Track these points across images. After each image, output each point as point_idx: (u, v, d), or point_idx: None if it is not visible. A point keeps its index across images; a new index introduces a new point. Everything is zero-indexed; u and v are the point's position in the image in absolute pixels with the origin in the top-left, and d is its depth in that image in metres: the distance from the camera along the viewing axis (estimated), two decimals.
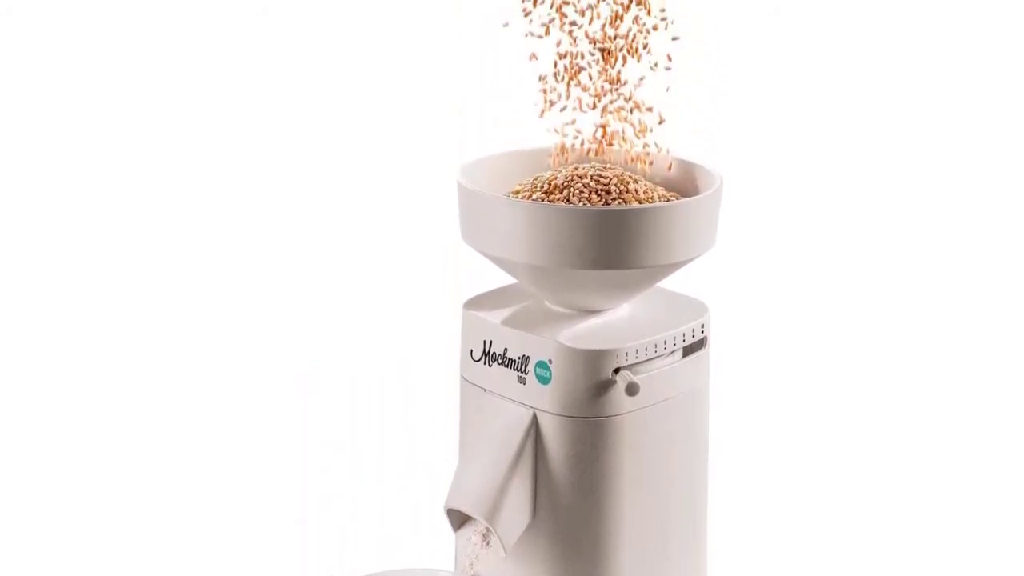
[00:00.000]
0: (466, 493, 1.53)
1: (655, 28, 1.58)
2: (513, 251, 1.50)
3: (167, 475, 2.03)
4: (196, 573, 1.88)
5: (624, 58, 1.59)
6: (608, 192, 1.52)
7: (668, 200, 1.55)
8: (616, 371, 1.50)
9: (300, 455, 2.06)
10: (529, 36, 1.58)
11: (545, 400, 1.52)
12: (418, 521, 1.88)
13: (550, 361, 1.51)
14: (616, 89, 1.59)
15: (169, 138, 2.25)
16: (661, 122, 1.61)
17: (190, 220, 2.25)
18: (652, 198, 1.54)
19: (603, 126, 1.62)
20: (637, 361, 1.51)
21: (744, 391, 2.05)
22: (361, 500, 1.99)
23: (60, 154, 2.26)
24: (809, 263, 2.21)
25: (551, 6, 1.57)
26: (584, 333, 1.52)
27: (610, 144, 1.63)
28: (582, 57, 1.59)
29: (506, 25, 1.58)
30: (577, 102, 1.60)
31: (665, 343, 1.54)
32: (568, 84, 1.60)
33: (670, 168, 1.62)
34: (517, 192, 1.56)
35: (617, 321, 1.56)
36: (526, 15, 1.58)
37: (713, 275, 1.74)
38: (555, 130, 1.62)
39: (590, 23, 1.58)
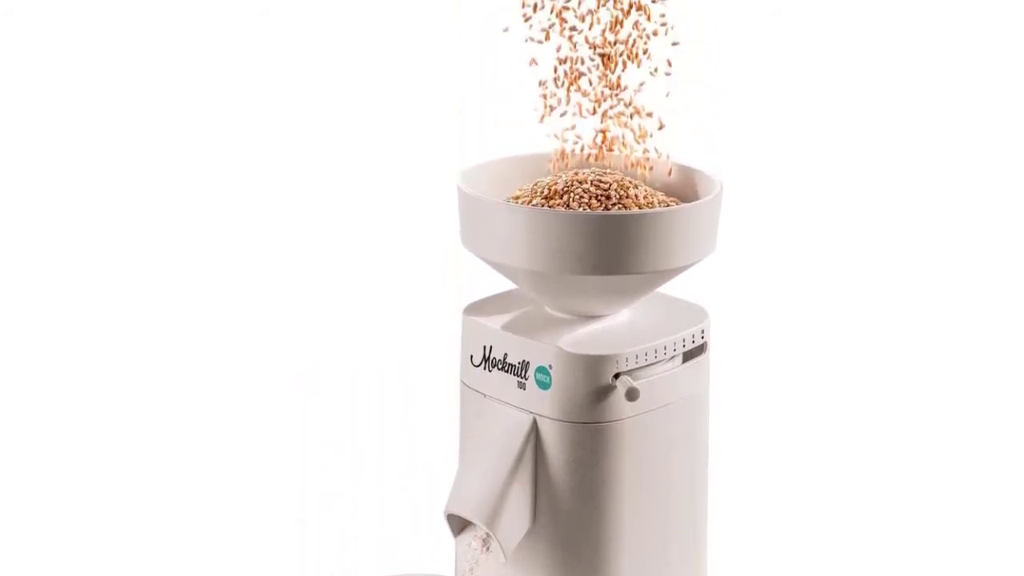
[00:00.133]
0: (466, 498, 1.53)
1: (655, 33, 1.58)
2: (513, 256, 1.50)
3: (167, 475, 2.03)
4: (196, 573, 1.88)
5: (624, 63, 1.58)
6: (608, 197, 1.52)
7: (668, 205, 1.55)
8: (616, 376, 1.50)
9: (300, 455, 2.06)
10: (529, 41, 1.58)
11: (545, 405, 1.52)
12: (418, 523, 1.88)
13: (550, 366, 1.51)
14: (616, 94, 1.59)
15: (169, 139, 2.25)
16: (661, 127, 1.61)
17: (191, 221, 2.25)
18: (652, 203, 1.54)
19: (603, 131, 1.62)
20: (637, 366, 1.51)
21: (744, 396, 2.05)
22: (361, 500, 1.99)
23: (60, 154, 2.26)
24: (809, 268, 2.21)
25: (551, 11, 1.57)
26: (584, 338, 1.52)
27: (610, 149, 1.63)
28: (582, 62, 1.59)
29: (506, 30, 1.59)
30: (577, 107, 1.60)
31: (665, 348, 1.54)
32: (568, 89, 1.59)
33: (670, 173, 1.62)
34: (517, 197, 1.56)
35: (617, 326, 1.56)
36: (526, 20, 1.58)
37: (713, 280, 1.74)
38: (555, 135, 1.62)
39: (590, 28, 1.58)
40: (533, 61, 1.59)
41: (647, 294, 1.57)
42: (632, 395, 1.48)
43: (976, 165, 2.27)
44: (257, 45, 2.22)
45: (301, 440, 2.08)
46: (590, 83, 1.59)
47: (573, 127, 1.62)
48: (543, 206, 1.52)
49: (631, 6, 1.57)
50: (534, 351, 1.52)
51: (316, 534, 1.94)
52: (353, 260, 2.19)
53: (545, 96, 1.60)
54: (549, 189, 1.54)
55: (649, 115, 1.60)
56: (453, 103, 2.09)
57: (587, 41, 1.58)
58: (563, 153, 1.63)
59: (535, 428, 1.53)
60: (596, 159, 1.63)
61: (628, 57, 1.58)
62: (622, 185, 1.54)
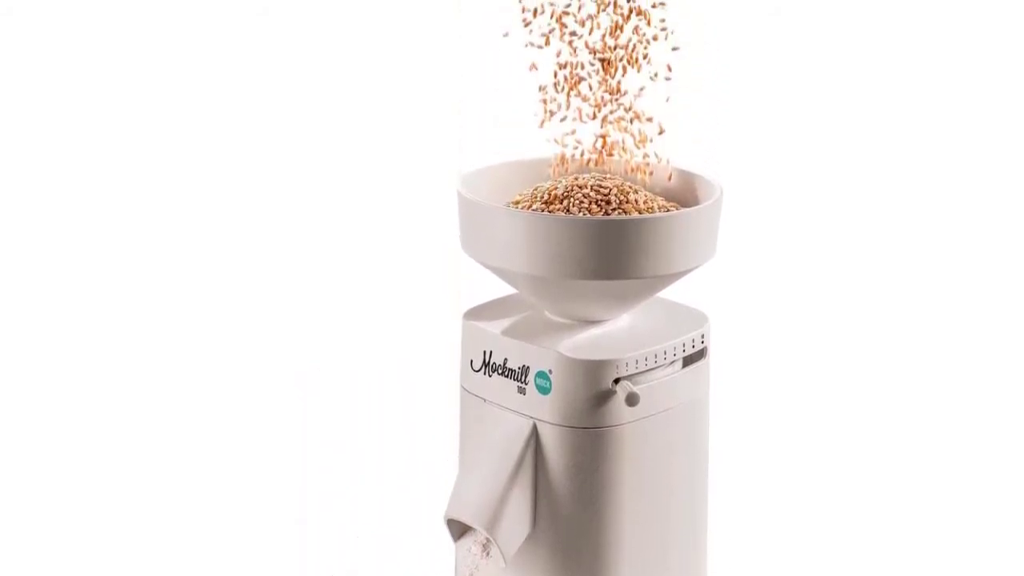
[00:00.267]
0: (466, 503, 1.53)
1: (655, 38, 1.58)
2: (513, 261, 1.50)
3: (167, 475, 2.03)
4: (196, 573, 1.88)
5: (624, 68, 1.59)
6: (608, 202, 1.52)
7: (668, 210, 1.55)
8: (616, 381, 1.50)
9: (300, 455, 2.06)
10: (529, 46, 1.58)
11: (545, 410, 1.52)
12: (417, 525, 1.88)
13: (550, 371, 1.51)
14: (616, 99, 1.59)
15: (169, 140, 2.25)
16: (661, 132, 1.61)
17: (191, 222, 2.25)
18: (652, 208, 1.54)
19: (603, 136, 1.62)
20: (637, 371, 1.51)
21: (744, 401, 2.05)
22: (361, 500, 1.99)
23: (60, 154, 2.26)
24: (809, 273, 2.21)
25: (551, 16, 1.57)
26: (584, 343, 1.52)
27: (610, 154, 1.63)
28: (582, 67, 1.59)
29: (506, 35, 1.58)
30: (577, 112, 1.60)
31: (665, 353, 1.54)
32: (568, 94, 1.60)
33: (670, 178, 1.62)
34: (517, 202, 1.56)
35: (617, 331, 1.56)
36: (526, 25, 1.58)
37: (713, 285, 1.74)
38: (555, 140, 1.62)
39: (590, 33, 1.58)
40: (533, 66, 1.59)
41: (647, 299, 1.57)
42: (632, 400, 1.48)
43: (977, 168, 2.27)
44: (257, 45, 2.22)
45: (301, 440, 2.08)
46: (590, 88, 1.59)
47: (573, 132, 1.62)
48: (543, 211, 1.52)
49: (631, 11, 1.57)
50: (534, 356, 1.52)
51: (316, 534, 1.95)
52: (353, 264, 2.19)
53: (545, 101, 1.60)
54: (549, 194, 1.54)
55: (649, 120, 1.60)
56: (453, 105, 2.09)
57: (587, 46, 1.58)
58: (563, 158, 1.63)
59: (535, 433, 1.53)
60: (596, 164, 1.63)
61: (628, 62, 1.58)
62: (622, 190, 1.54)
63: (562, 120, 1.60)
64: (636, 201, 1.53)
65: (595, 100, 1.60)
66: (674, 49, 1.58)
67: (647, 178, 1.62)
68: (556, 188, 1.54)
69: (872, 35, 2.21)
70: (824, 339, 2.20)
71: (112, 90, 2.24)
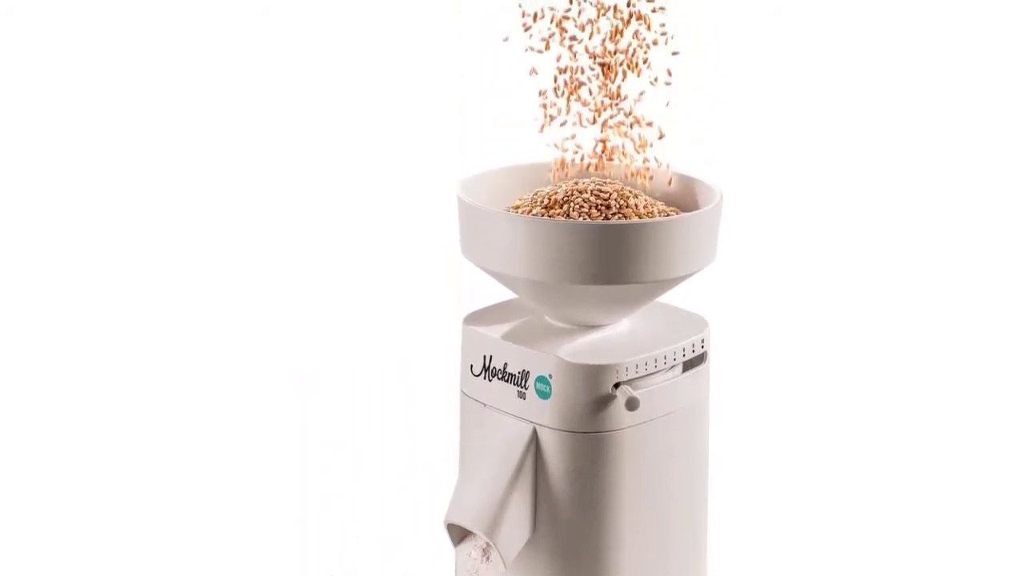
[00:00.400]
0: (466, 508, 1.53)
1: (655, 43, 1.58)
2: (513, 266, 1.50)
3: (167, 475, 2.03)
4: (196, 573, 1.88)
5: (624, 73, 1.59)
6: (608, 207, 1.52)
7: (668, 215, 1.55)
8: (616, 386, 1.50)
9: (300, 455, 2.06)
10: (529, 51, 1.58)
11: (545, 415, 1.52)
12: (417, 526, 1.88)
13: (550, 376, 1.51)
14: (616, 104, 1.59)
15: (169, 140, 2.25)
16: (661, 137, 1.61)
17: (191, 223, 2.25)
18: (652, 213, 1.54)
19: (603, 141, 1.62)
20: (637, 376, 1.51)
21: (744, 406, 2.05)
22: (361, 500, 1.99)
23: (60, 154, 2.26)
24: (809, 278, 2.20)
25: (551, 21, 1.58)
26: (584, 348, 1.52)
27: (610, 159, 1.63)
28: (582, 72, 1.59)
29: (506, 40, 1.58)
30: (577, 117, 1.60)
31: (665, 358, 1.54)
32: (568, 99, 1.60)
33: (670, 183, 1.62)
34: (517, 207, 1.56)
35: (617, 336, 1.56)
36: (526, 30, 1.58)
37: (713, 290, 1.73)
38: (555, 145, 1.62)
39: (590, 38, 1.58)
40: (533, 71, 1.59)
41: (647, 304, 1.57)
42: (632, 405, 1.48)
43: (978, 170, 2.26)
44: (257, 45, 2.22)
45: (301, 440, 2.09)
46: (590, 93, 1.59)
47: (573, 137, 1.62)
48: (543, 216, 1.52)
49: (631, 16, 1.57)
50: (534, 361, 1.52)
51: (316, 534, 1.95)
52: (354, 269, 2.19)
53: (545, 106, 1.60)
54: (549, 199, 1.54)
55: (649, 125, 1.60)
56: (453, 107, 2.09)
57: (587, 51, 1.58)
58: (563, 163, 1.63)
59: (535, 438, 1.53)
60: (596, 169, 1.63)
61: (628, 67, 1.59)
62: (622, 195, 1.54)
63: (562, 125, 1.60)
64: (636, 206, 1.53)
65: (595, 105, 1.60)
66: (674, 54, 1.58)
67: (647, 183, 1.62)
68: (556, 193, 1.54)
69: (873, 39, 2.21)
70: (824, 344, 2.20)
71: (112, 90, 2.24)
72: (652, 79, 1.59)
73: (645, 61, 1.58)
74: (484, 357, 1.56)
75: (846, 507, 2.00)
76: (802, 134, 2.20)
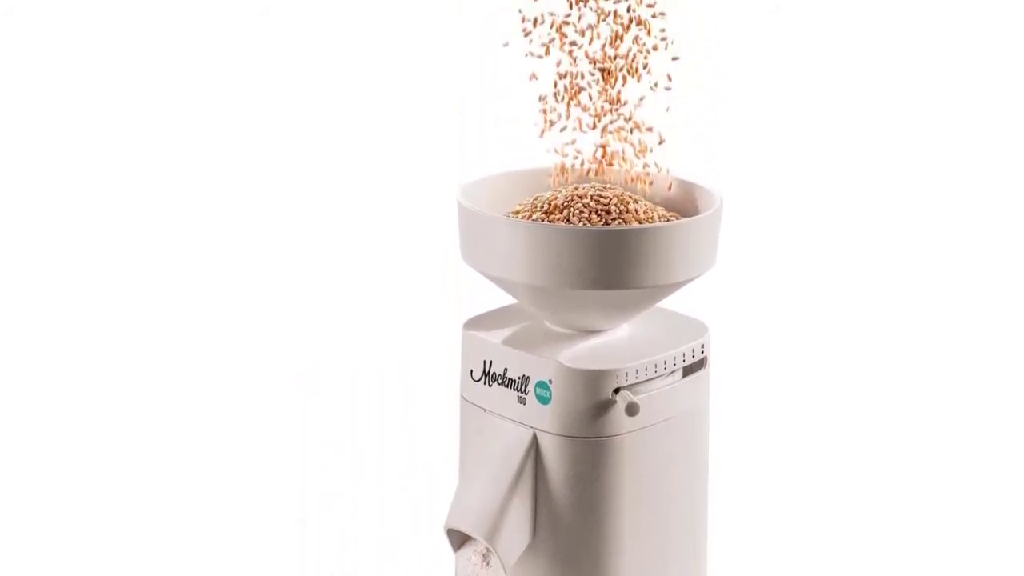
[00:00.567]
0: (466, 513, 1.53)
1: (655, 48, 1.58)
2: (513, 271, 1.50)
3: (167, 475, 2.04)
4: (196, 573, 1.88)
5: (624, 78, 1.58)
6: (608, 212, 1.52)
7: (668, 220, 1.55)
8: (616, 391, 1.50)
9: (300, 455, 2.06)
10: (529, 56, 1.58)
11: (545, 420, 1.52)
12: (417, 525, 1.88)
13: (550, 381, 1.51)
14: (616, 109, 1.59)
15: (169, 141, 2.25)
16: (661, 142, 1.61)
17: (192, 225, 2.25)
18: (652, 218, 1.54)
19: (603, 146, 1.62)
20: (637, 381, 1.51)
21: (744, 411, 2.05)
22: (361, 500, 1.99)
23: (60, 154, 2.26)
24: (809, 283, 2.20)
25: (551, 26, 1.57)
26: (584, 353, 1.52)
27: (610, 164, 1.62)
28: (582, 77, 1.59)
29: (506, 45, 1.58)
30: (577, 122, 1.60)
31: (665, 363, 1.54)
32: (568, 104, 1.59)
33: (670, 188, 1.62)
34: (517, 212, 1.56)
35: (617, 341, 1.56)
36: (526, 35, 1.57)
37: (713, 295, 1.73)
38: (555, 150, 1.62)
39: (590, 43, 1.58)
40: (533, 76, 1.59)
41: (647, 309, 1.57)
42: (632, 410, 1.48)
43: (979, 172, 2.26)
44: (257, 46, 2.22)
45: (301, 440, 2.09)
46: (590, 98, 1.59)
47: (573, 142, 1.61)
48: (543, 221, 1.52)
49: (631, 21, 1.57)
50: (534, 366, 1.52)
51: (316, 534, 1.95)
52: (353, 274, 2.19)
53: (545, 111, 1.60)
54: (549, 204, 1.54)
55: (649, 130, 1.60)
56: (453, 107, 2.09)
57: (587, 56, 1.58)
58: (563, 168, 1.63)
59: (535, 443, 1.53)
60: (596, 174, 1.63)
61: (628, 72, 1.58)
62: (622, 200, 1.54)
63: (562, 130, 1.60)
64: (636, 211, 1.53)
65: (595, 110, 1.59)
66: (674, 59, 1.58)
67: (647, 188, 1.62)
68: (556, 198, 1.54)
69: (873, 43, 2.21)
70: (824, 348, 2.20)
71: (112, 91, 2.24)
72: (652, 84, 1.59)
73: (645, 66, 1.58)
74: (484, 362, 1.56)
75: (846, 512, 2.00)
76: (803, 139, 2.20)
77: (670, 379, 1.55)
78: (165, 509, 1.98)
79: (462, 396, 1.59)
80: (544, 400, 1.51)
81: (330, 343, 2.17)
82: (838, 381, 2.18)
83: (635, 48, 1.58)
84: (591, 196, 1.54)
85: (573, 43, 1.58)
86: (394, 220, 2.17)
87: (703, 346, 1.58)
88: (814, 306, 2.21)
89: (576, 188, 1.56)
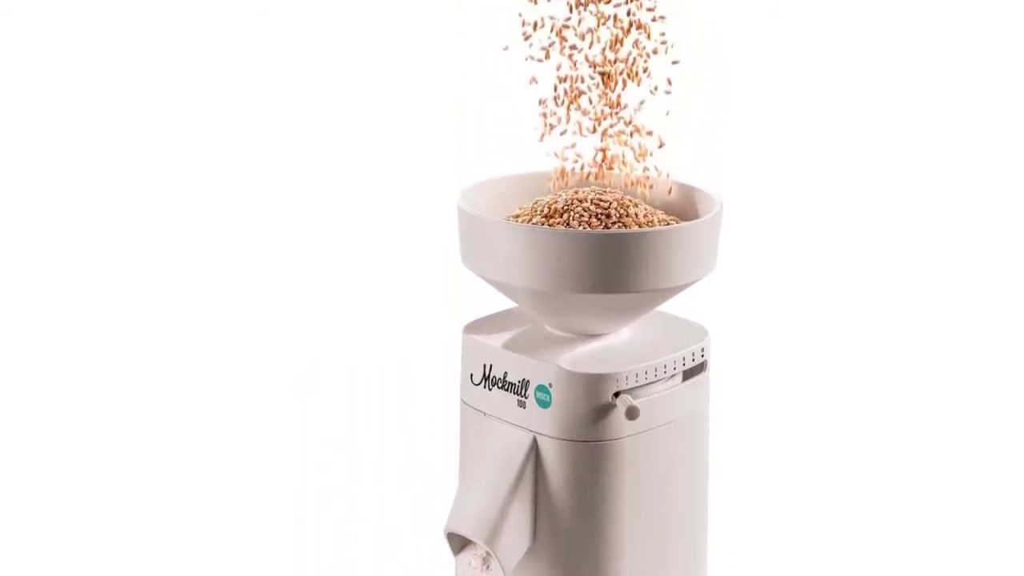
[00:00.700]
0: (466, 517, 1.53)
1: (655, 52, 1.58)
2: (513, 275, 1.50)
3: (167, 475, 2.04)
4: (196, 573, 1.88)
5: (624, 82, 1.59)
6: (608, 216, 1.52)
7: (668, 224, 1.55)
8: (616, 395, 1.50)
9: (300, 455, 2.06)
10: (529, 60, 1.58)
11: (545, 424, 1.52)
12: (417, 525, 1.88)
13: (550, 385, 1.51)
14: (616, 113, 1.59)
15: (168, 142, 2.25)
16: (661, 146, 1.61)
17: (192, 226, 2.25)
18: (652, 222, 1.54)
19: (603, 150, 1.62)
20: (637, 385, 1.51)
21: (744, 414, 2.05)
22: (361, 500, 2.00)
23: (60, 154, 2.25)
24: (809, 287, 2.20)
25: (551, 30, 1.57)
26: (584, 357, 1.52)
27: (610, 168, 1.63)
28: (582, 81, 1.59)
29: (506, 49, 1.58)
30: (577, 126, 1.60)
31: (665, 367, 1.54)
32: (568, 108, 1.60)
33: (670, 192, 1.62)
34: (517, 216, 1.56)
35: (617, 345, 1.56)
36: (526, 39, 1.58)
37: (713, 299, 1.73)
38: (555, 154, 1.62)
39: (590, 47, 1.58)
40: (533, 79, 1.59)
41: (647, 312, 1.57)
42: (632, 414, 1.48)
43: (980, 175, 2.26)
44: (257, 46, 2.22)
45: (301, 439, 2.09)
46: (590, 101, 1.59)
47: (573, 145, 1.62)
48: (543, 225, 1.52)
49: (631, 25, 1.57)
50: (534, 369, 1.52)
51: (316, 534, 1.95)
52: (354, 277, 2.19)
53: (545, 115, 1.60)
54: (549, 208, 1.54)
55: (649, 134, 1.60)
56: (453, 108, 2.09)
57: (587, 60, 1.58)
58: (563, 172, 1.63)
59: (535, 446, 1.53)
60: (596, 178, 1.63)
61: (628, 76, 1.58)
62: (622, 204, 1.54)
63: (562, 134, 1.60)
64: (636, 215, 1.53)
65: (595, 114, 1.60)
66: (674, 63, 1.58)
67: (647, 192, 1.62)
68: (556, 202, 1.54)
69: (873, 45, 2.21)
70: (824, 352, 2.20)
71: (112, 91, 2.24)
72: (652, 88, 1.59)
73: (645, 70, 1.58)
74: (484, 366, 1.56)
75: (846, 516, 2.00)
76: (803, 142, 2.20)
77: (670, 383, 1.55)
78: (165, 509, 1.98)
79: (462, 400, 1.59)
80: (544, 404, 1.51)
81: (330, 346, 2.17)
82: (838, 385, 2.17)
83: (635, 52, 1.58)
84: (591, 200, 1.54)
85: (573, 47, 1.58)
86: (394, 223, 2.17)
87: (703, 350, 1.58)
88: (814, 310, 2.21)
89: (576, 192, 1.56)
